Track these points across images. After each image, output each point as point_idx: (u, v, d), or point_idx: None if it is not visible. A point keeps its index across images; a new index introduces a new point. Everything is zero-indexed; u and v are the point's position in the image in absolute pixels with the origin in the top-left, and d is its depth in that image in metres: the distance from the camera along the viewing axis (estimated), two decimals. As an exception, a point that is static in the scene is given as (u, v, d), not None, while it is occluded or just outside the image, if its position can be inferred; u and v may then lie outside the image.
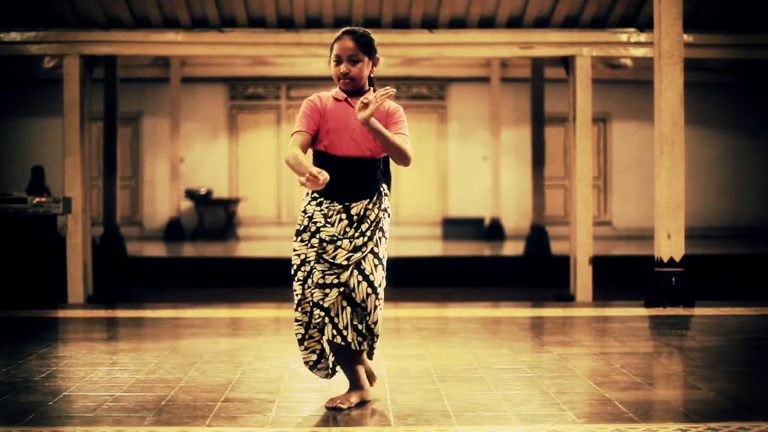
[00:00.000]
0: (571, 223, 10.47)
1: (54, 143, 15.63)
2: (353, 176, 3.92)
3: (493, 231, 17.78)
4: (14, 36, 10.10)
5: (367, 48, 3.95)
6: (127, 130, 18.26)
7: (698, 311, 7.32)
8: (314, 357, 4.00)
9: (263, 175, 18.38)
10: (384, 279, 3.98)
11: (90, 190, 10.52)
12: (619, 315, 7.22)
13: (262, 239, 17.21)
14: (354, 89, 3.97)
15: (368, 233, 3.91)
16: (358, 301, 3.88)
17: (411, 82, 18.76)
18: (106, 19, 10.17)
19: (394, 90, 3.82)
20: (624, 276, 11.62)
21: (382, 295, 3.96)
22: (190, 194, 17.79)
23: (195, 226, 18.07)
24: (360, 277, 3.89)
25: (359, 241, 3.90)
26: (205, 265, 13.51)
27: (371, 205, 3.95)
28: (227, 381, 4.52)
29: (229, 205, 18.05)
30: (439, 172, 18.79)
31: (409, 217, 18.59)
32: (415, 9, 10.17)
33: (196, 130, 18.63)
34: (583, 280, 10.01)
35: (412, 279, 12.62)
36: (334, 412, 3.91)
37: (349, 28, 3.99)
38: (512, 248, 15.31)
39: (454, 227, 18.03)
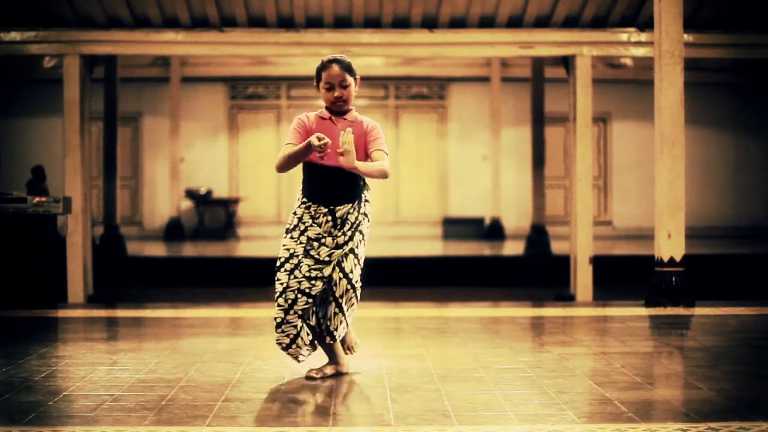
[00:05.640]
0: (571, 223, 10.47)
1: (54, 143, 15.64)
2: (337, 184, 4.43)
3: (493, 231, 17.78)
4: (14, 36, 10.10)
5: (351, 70, 4.48)
6: (127, 130, 18.26)
7: (698, 311, 7.32)
8: (287, 340, 4.49)
9: (263, 175, 18.38)
10: (360, 278, 4.53)
11: (90, 190, 10.53)
12: (619, 315, 7.21)
13: (262, 239, 17.21)
14: (340, 111, 4.49)
15: (349, 233, 4.46)
16: (337, 296, 4.47)
17: (411, 82, 18.76)
18: (106, 18, 10.17)
19: (350, 128, 4.28)
20: (624, 276, 11.62)
21: (358, 292, 4.53)
22: (190, 194, 17.79)
23: (195, 226, 18.07)
24: (341, 275, 4.46)
25: (341, 240, 4.46)
26: (205, 265, 13.51)
27: (353, 209, 4.48)
28: (227, 381, 4.52)
29: (229, 205, 18.06)
30: (439, 172, 18.79)
31: (409, 217, 18.59)
32: (415, 9, 10.17)
33: (196, 129, 18.63)
34: (583, 280, 10.01)
35: (412, 279, 12.63)
36: (310, 381, 4.48)
37: (331, 57, 4.49)
38: (512, 248, 15.31)
39: (454, 227, 18.03)
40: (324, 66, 4.46)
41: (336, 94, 4.44)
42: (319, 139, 4.16)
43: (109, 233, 13.89)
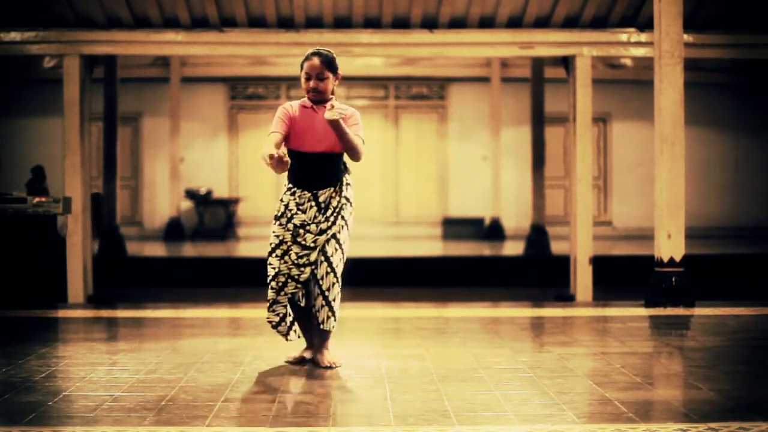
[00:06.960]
0: (571, 223, 10.47)
1: (54, 143, 15.64)
2: (318, 168, 4.76)
3: (493, 231, 17.77)
4: (14, 36, 10.10)
5: (331, 66, 4.77)
6: (127, 130, 18.25)
7: (698, 311, 7.32)
8: (277, 319, 4.86)
9: (263, 175, 18.34)
10: (341, 262, 4.82)
11: (90, 190, 10.52)
12: (619, 315, 7.21)
13: (262, 239, 17.10)
14: (320, 100, 4.77)
15: (332, 218, 4.77)
16: (318, 277, 4.76)
17: (411, 82, 18.75)
18: (106, 19, 10.17)
19: (343, 111, 4.57)
20: (624, 276, 11.62)
21: (339, 274, 4.79)
22: (190, 194, 17.79)
23: (195, 226, 18.07)
24: (322, 258, 4.77)
25: (324, 225, 4.76)
26: (205, 265, 13.51)
27: (334, 193, 4.79)
28: (227, 381, 4.52)
29: (229, 205, 18.05)
30: (439, 172, 18.79)
31: (409, 217, 18.58)
32: (415, 9, 10.17)
33: (196, 130, 18.63)
34: (583, 280, 10.01)
35: (412, 279, 12.63)
36: (289, 365, 4.91)
37: (316, 50, 4.79)
38: (512, 248, 15.31)
39: (454, 227, 18.02)
40: (307, 57, 4.77)
41: (311, 84, 4.74)
42: (271, 157, 4.40)
43: (109, 233, 13.88)
